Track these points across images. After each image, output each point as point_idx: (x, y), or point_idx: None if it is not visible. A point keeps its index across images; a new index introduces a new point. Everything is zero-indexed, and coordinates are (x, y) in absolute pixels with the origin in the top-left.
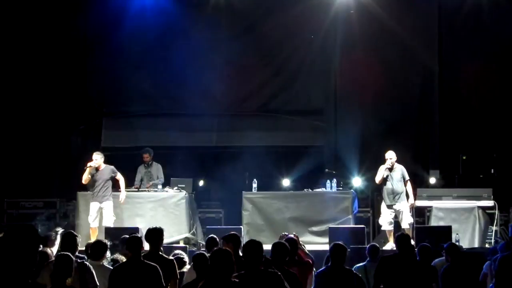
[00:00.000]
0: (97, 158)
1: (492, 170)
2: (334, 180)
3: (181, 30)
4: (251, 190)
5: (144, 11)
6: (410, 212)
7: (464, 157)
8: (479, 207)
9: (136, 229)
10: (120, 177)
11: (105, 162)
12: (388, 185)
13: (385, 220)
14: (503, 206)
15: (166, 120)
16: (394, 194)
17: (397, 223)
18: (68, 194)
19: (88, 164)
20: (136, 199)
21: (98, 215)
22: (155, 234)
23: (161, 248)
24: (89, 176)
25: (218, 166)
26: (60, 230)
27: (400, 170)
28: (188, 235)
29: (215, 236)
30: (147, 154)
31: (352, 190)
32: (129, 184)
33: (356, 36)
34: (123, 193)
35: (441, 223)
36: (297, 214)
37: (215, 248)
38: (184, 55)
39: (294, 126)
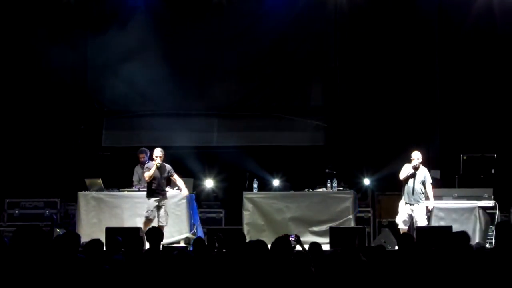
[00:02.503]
0: (160, 155)
1: (493, 170)
2: (335, 180)
3: (182, 30)
4: (252, 190)
5: (144, 12)
6: (426, 214)
7: (465, 157)
8: (479, 207)
9: (137, 229)
10: (177, 177)
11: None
12: (410, 183)
13: (402, 219)
14: (504, 206)
15: (167, 120)
16: (415, 194)
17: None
18: (69, 194)
19: (156, 162)
20: (136, 199)
21: (155, 212)
22: (155, 234)
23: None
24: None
25: (218, 166)
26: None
27: (423, 172)
28: (188, 235)
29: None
30: (143, 154)
31: (352, 190)
32: (128, 184)
33: (356, 36)
34: (184, 190)
35: (442, 223)
36: (298, 214)
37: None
38: (184, 55)
39: (295, 126)
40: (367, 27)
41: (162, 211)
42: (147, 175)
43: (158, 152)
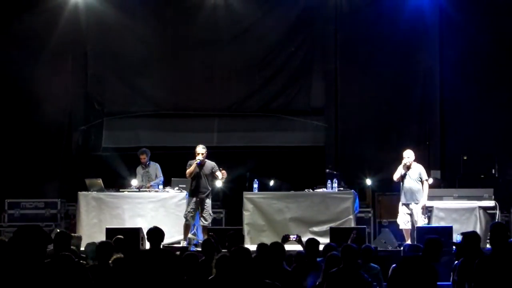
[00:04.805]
0: (203, 152)
1: (493, 170)
2: (335, 180)
3: (181, 30)
4: (252, 190)
5: (144, 11)
6: (424, 214)
7: (465, 157)
8: (480, 207)
9: (137, 230)
10: (219, 173)
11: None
12: (405, 183)
13: (402, 219)
14: (504, 206)
15: (167, 121)
16: (410, 193)
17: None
18: (69, 194)
19: (197, 158)
20: (137, 199)
21: (196, 211)
22: (155, 234)
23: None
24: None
25: (218, 166)
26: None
27: (417, 170)
28: (189, 235)
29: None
30: (144, 155)
31: (352, 190)
32: (128, 185)
33: (357, 36)
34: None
35: (442, 224)
36: (298, 214)
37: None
38: (185, 55)
39: (295, 126)
40: (367, 28)
41: (204, 210)
42: (187, 172)
43: (200, 149)
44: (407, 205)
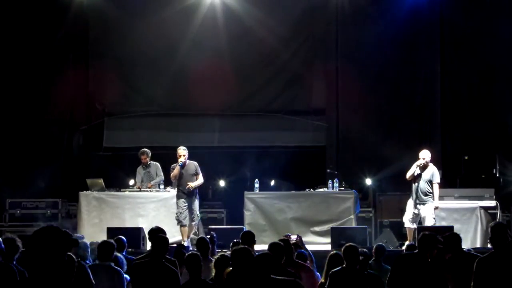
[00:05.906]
0: (185, 154)
1: (494, 170)
2: (336, 180)
3: (182, 30)
4: (253, 190)
5: (145, 12)
6: (433, 214)
7: (466, 157)
8: (481, 207)
9: (138, 229)
10: (200, 177)
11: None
12: (416, 183)
13: (407, 217)
14: (505, 206)
15: (168, 120)
16: (419, 193)
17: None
18: (70, 194)
19: (179, 161)
20: (138, 199)
21: (185, 211)
22: (156, 234)
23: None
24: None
25: (220, 166)
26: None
27: (431, 172)
28: (190, 235)
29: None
30: (145, 155)
31: (353, 190)
32: (129, 185)
33: (357, 36)
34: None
35: (443, 223)
36: (299, 214)
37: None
38: (186, 55)
39: (296, 126)
40: (368, 28)
41: (192, 211)
42: (172, 175)
43: (181, 151)
44: (416, 204)
